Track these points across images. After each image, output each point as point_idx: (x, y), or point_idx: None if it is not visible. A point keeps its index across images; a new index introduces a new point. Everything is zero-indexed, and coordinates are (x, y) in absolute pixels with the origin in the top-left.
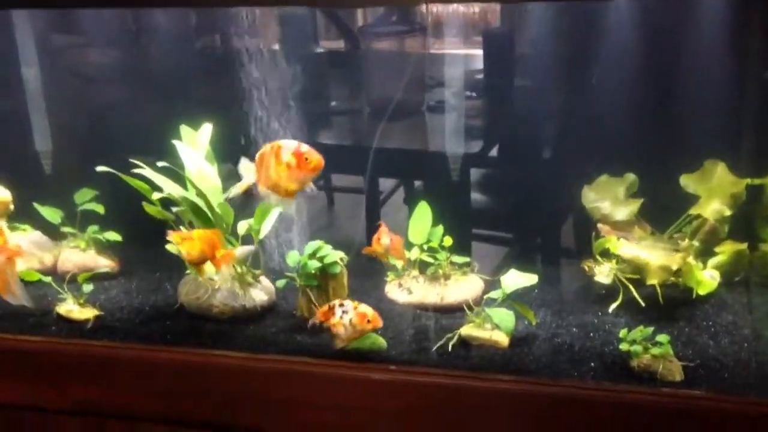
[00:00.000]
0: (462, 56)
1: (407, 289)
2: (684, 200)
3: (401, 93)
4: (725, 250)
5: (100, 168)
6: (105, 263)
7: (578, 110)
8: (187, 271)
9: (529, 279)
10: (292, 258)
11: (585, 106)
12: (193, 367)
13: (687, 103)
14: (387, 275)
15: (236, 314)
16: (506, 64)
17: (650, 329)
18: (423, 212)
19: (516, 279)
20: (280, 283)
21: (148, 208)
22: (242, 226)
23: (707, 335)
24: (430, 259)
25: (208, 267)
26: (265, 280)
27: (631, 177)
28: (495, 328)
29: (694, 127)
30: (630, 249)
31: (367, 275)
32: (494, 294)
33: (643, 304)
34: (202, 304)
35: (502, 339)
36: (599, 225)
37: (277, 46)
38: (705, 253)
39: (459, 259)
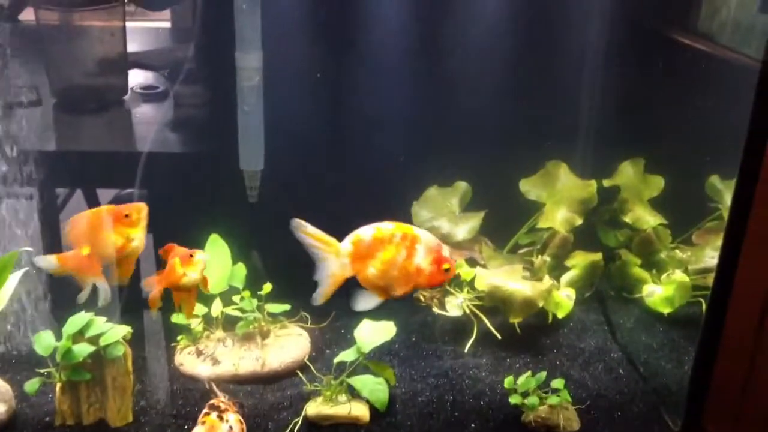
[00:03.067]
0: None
1: (211, 358)
2: (521, 208)
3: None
4: (577, 263)
5: None
6: None
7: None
8: None
9: (387, 330)
10: (44, 342)
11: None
12: None
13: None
14: (177, 340)
15: None
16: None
17: (543, 374)
18: (218, 249)
19: (373, 333)
20: (32, 385)
21: None
22: None
23: (580, 367)
24: (237, 312)
25: None
26: None
27: (462, 186)
28: (351, 401)
29: (526, 125)
30: (492, 279)
31: (141, 336)
32: (347, 355)
33: (499, 337)
34: None
35: (363, 413)
36: None
37: None
38: (556, 268)
39: (275, 307)
